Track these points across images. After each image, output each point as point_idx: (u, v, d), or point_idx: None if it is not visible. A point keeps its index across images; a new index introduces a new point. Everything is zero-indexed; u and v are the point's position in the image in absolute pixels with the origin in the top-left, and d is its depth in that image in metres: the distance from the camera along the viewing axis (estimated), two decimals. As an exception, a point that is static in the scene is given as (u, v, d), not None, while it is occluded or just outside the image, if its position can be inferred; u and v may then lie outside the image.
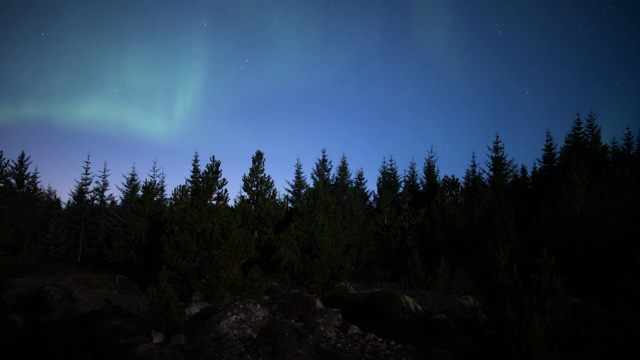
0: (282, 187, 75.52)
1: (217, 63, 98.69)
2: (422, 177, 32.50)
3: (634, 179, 14.00)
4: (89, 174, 27.15)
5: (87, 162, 27.63)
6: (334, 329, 8.08)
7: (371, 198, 33.44)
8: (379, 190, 32.89)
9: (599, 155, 24.43)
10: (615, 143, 26.41)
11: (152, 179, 27.72)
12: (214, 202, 13.40)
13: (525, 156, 72.48)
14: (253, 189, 19.26)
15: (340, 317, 8.77)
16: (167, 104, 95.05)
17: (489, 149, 28.96)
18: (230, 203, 39.14)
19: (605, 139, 49.76)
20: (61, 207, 25.13)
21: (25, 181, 28.57)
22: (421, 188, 31.85)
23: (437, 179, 30.86)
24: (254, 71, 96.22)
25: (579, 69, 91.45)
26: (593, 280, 11.84)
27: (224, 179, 13.91)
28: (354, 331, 8.05)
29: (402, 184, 32.60)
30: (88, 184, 27.02)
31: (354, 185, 32.96)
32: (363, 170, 44.70)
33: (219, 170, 14.03)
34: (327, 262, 12.00)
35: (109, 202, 27.82)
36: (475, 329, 5.97)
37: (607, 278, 11.24)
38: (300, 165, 31.88)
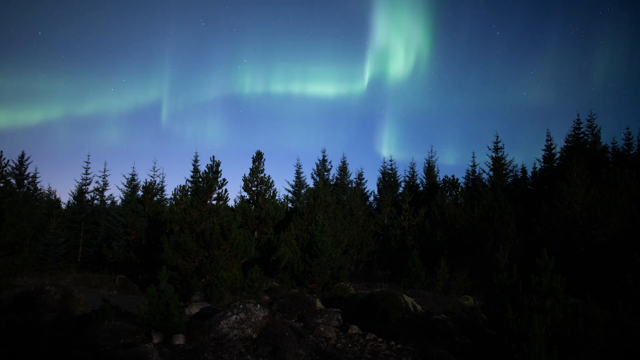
0: (282, 187, 75.56)
1: (215, 62, 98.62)
2: (422, 177, 32.52)
3: (634, 179, 13.99)
4: (89, 174, 27.19)
5: (87, 162, 27.67)
6: (334, 329, 8.09)
7: (371, 198, 33.45)
8: (379, 190, 32.88)
9: (599, 155, 24.41)
10: (615, 143, 26.39)
11: (152, 179, 27.73)
12: (214, 202, 13.39)
13: (525, 156, 72.46)
14: (253, 189, 19.25)
15: (340, 317, 8.77)
16: (165, 103, 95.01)
17: (489, 149, 28.96)
18: (230, 203, 39.12)
19: (605, 139, 49.73)
20: (61, 207, 25.10)
21: (25, 181, 28.58)
22: (421, 188, 31.84)
23: (437, 179, 30.84)
24: (253, 71, 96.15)
25: (577, 70, 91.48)
26: (593, 280, 11.83)
27: (224, 179, 13.90)
28: (354, 331, 8.05)
29: (402, 184, 32.59)
30: (88, 184, 27.06)
31: (354, 185, 32.95)
32: (363, 170, 44.70)
33: (219, 170, 14.02)
34: (327, 262, 11.99)
35: (109, 202, 27.83)
36: (475, 329, 5.97)
37: (607, 278, 11.23)
38: (300, 165, 31.87)
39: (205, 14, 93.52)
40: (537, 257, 5.45)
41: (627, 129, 31.20)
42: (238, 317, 7.43)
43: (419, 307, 9.78)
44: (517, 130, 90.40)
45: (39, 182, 33.10)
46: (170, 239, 12.39)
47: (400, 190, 31.73)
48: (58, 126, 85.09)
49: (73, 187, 61.90)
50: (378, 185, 33.44)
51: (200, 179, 14.11)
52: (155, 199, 18.13)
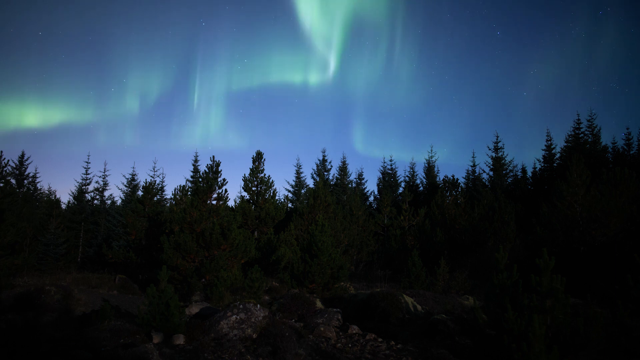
0: (282, 187, 75.52)
1: (215, 63, 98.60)
2: (422, 177, 32.52)
3: (634, 179, 13.99)
4: (89, 174, 27.19)
5: (87, 162, 27.64)
6: (334, 329, 8.09)
7: (371, 198, 33.45)
8: (379, 190, 32.88)
9: (599, 155, 24.41)
10: (615, 143, 26.39)
11: (152, 179, 27.73)
12: (214, 202, 13.39)
13: (525, 156, 72.49)
14: (253, 189, 19.25)
15: (340, 317, 8.77)
16: (165, 103, 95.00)
17: (489, 149, 28.95)
18: (230, 203, 39.10)
19: (605, 139, 49.74)
20: (61, 207, 25.10)
21: (25, 181, 28.57)
22: (421, 188, 31.84)
23: (437, 179, 30.84)
24: (252, 71, 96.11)
25: (577, 70, 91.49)
26: (593, 280, 11.83)
27: (224, 179, 13.89)
28: (354, 331, 8.05)
29: (402, 184, 32.60)
30: (88, 184, 27.07)
31: (354, 185, 32.95)
32: (363, 170, 44.70)
33: (219, 170, 14.02)
34: (327, 262, 11.99)
35: (109, 202, 27.84)
36: (475, 329, 5.97)
37: (607, 278, 11.23)
38: (300, 165, 31.86)
39: (205, 14, 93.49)
40: (537, 257, 5.45)
41: (627, 129, 31.27)
42: (238, 317, 7.43)
43: (419, 307, 9.78)
44: (517, 130, 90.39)
45: (39, 182, 33.11)
46: (170, 239, 12.39)
47: (400, 190, 31.73)
48: (58, 126, 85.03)
49: (73, 187, 61.91)
50: (378, 185, 33.46)
51: (200, 179, 14.11)
52: (155, 199, 18.14)
